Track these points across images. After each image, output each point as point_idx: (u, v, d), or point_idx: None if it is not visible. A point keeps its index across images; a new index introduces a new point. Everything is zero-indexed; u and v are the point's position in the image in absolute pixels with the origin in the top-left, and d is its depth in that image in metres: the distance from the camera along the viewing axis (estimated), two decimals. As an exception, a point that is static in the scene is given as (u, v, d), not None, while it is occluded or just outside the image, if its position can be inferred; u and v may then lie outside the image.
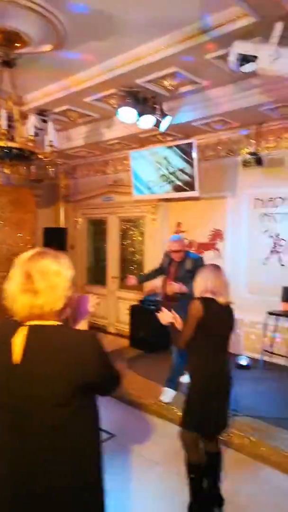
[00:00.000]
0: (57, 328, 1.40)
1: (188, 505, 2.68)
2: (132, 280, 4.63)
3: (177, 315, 2.69)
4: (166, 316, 2.67)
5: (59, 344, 1.36)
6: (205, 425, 2.60)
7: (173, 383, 4.24)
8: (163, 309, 2.72)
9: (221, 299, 2.60)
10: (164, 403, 4.14)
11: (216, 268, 2.76)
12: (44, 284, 1.36)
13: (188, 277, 3.91)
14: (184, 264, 4.30)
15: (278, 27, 2.91)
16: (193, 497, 2.66)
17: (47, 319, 1.38)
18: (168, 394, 4.20)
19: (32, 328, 1.37)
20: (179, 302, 3.87)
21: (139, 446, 3.59)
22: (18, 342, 1.35)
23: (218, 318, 2.60)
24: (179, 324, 2.65)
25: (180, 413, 3.86)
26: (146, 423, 4.05)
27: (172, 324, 2.64)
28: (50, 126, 3.60)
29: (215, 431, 2.71)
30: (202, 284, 2.65)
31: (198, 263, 4.10)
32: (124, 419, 4.11)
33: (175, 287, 4.06)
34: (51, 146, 3.60)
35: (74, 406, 1.36)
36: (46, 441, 1.35)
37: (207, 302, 2.56)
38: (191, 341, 2.56)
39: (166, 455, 3.39)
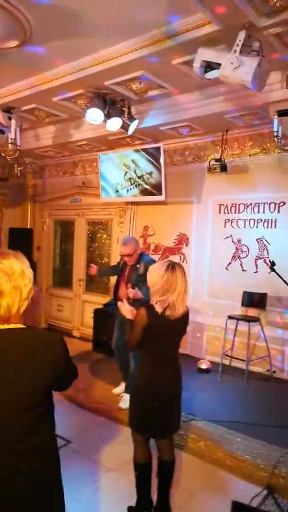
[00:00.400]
0: (23, 331, 1.39)
1: (128, 507, 2.70)
2: (94, 270, 4.54)
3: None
4: (126, 310, 2.63)
5: (28, 347, 1.35)
6: (144, 426, 2.61)
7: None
8: (125, 301, 2.70)
9: (177, 308, 2.44)
10: (123, 409, 4.06)
11: (180, 269, 2.50)
12: (9, 285, 1.34)
13: (140, 281, 3.84)
14: (138, 268, 4.12)
15: (240, 35, 2.99)
16: (137, 497, 2.67)
17: (13, 321, 1.37)
18: (127, 400, 4.14)
19: None
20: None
21: (95, 453, 3.54)
22: None
23: (165, 327, 2.48)
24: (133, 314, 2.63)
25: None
26: (105, 429, 3.98)
27: (130, 321, 2.57)
28: (13, 124, 3.55)
29: (156, 434, 2.68)
30: (158, 287, 2.43)
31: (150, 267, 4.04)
32: (82, 425, 4.05)
33: (131, 293, 3.87)
34: (13, 144, 3.53)
35: (42, 408, 1.37)
36: (13, 444, 1.33)
37: (152, 310, 2.43)
38: (139, 344, 2.53)
39: (122, 462, 3.34)
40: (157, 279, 2.44)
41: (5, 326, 1.36)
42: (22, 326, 1.40)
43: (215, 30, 3.09)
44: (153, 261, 4.16)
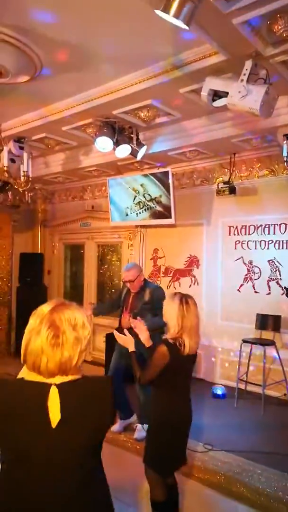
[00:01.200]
0: (81, 382, 1.36)
1: None
2: (89, 310, 4.07)
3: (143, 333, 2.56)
4: (127, 341, 2.52)
5: (88, 398, 1.34)
6: (170, 466, 2.55)
7: (145, 418, 4.09)
8: (126, 332, 2.59)
9: (192, 344, 2.42)
10: (139, 441, 3.92)
11: (193, 303, 2.48)
12: (72, 336, 1.32)
13: (146, 309, 3.76)
14: (142, 295, 3.98)
15: (247, 65, 3.04)
16: None
17: (72, 373, 1.34)
18: (143, 432, 3.96)
19: (62, 388, 1.30)
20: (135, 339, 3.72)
21: (112, 487, 3.44)
22: (54, 404, 1.28)
23: (184, 361, 2.46)
24: (146, 341, 2.54)
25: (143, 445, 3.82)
26: (121, 460, 3.86)
27: (133, 353, 2.49)
28: (25, 156, 3.60)
29: (176, 468, 2.62)
30: (175, 323, 2.41)
31: (156, 294, 3.90)
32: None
33: (135, 323, 3.81)
34: (25, 176, 3.58)
35: (98, 457, 1.37)
36: (73, 494, 1.30)
37: (174, 348, 2.39)
38: (155, 379, 2.45)
39: (141, 497, 3.25)
40: (174, 314, 2.41)
41: (65, 379, 1.33)
42: (78, 376, 1.37)
43: (222, 60, 3.15)
44: (158, 288, 4.15)
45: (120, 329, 3.91)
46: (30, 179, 3.57)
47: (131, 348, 2.50)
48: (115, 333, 2.60)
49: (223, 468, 3.50)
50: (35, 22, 2.88)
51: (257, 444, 3.89)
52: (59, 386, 1.30)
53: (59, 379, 1.32)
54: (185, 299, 2.45)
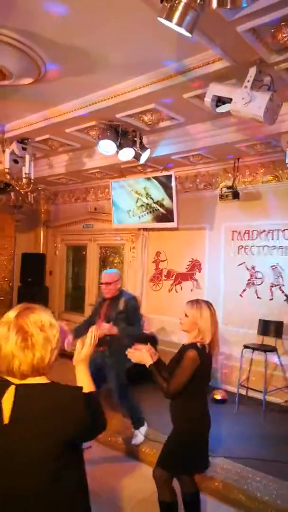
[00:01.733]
0: (46, 386, 1.41)
1: None
2: (69, 341, 3.50)
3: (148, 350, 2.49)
4: (142, 357, 2.45)
5: (48, 404, 1.36)
6: (189, 467, 2.60)
7: (139, 421, 4.02)
8: (141, 347, 2.50)
9: (215, 346, 2.51)
10: (137, 446, 3.92)
11: (212, 308, 2.55)
12: (41, 336, 1.38)
13: (120, 318, 3.74)
14: (117, 304, 3.88)
15: (251, 71, 3.02)
16: None
17: (43, 372, 1.41)
18: (139, 436, 3.98)
19: (20, 388, 1.37)
20: (110, 348, 3.67)
21: (108, 491, 3.44)
22: (8, 402, 1.35)
23: (210, 365, 2.55)
24: (149, 359, 2.46)
25: (148, 451, 3.80)
26: (119, 464, 3.87)
27: (152, 366, 2.44)
28: (27, 158, 3.61)
29: (197, 471, 2.70)
30: (209, 329, 2.47)
31: (131, 304, 3.87)
32: (95, 459, 3.93)
33: (105, 328, 3.58)
34: (27, 178, 3.59)
35: (64, 460, 1.37)
36: (39, 493, 1.34)
37: (203, 352, 2.44)
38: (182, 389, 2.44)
39: (136, 501, 3.24)
40: (208, 321, 2.47)
41: (31, 381, 1.39)
42: (47, 381, 1.43)
43: (226, 66, 3.13)
44: (134, 298, 4.01)
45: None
46: (32, 181, 3.57)
47: (148, 362, 2.44)
48: (129, 351, 2.47)
49: (221, 475, 3.49)
50: (39, 24, 2.87)
51: (256, 451, 3.87)
52: (18, 387, 1.37)
53: (27, 381, 1.39)
54: (211, 306, 2.55)
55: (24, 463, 1.33)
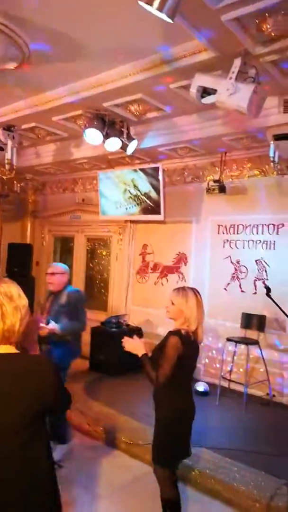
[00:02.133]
0: (15, 357, 1.50)
1: None
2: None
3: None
4: (136, 346, 2.46)
5: (16, 374, 1.44)
6: (179, 459, 2.60)
7: (65, 436, 3.76)
8: (135, 337, 2.51)
9: (199, 333, 2.49)
10: (59, 461, 3.47)
11: (199, 295, 2.56)
12: (11, 306, 1.47)
13: (62, 312, 3.69)
14: (60, 297, 3.83)
15: (236, 62, 3.01)
16: None
17: (13, 341, 1.49)
18: (61, 451, 3.66)
19: None
20: (52, 346, 3.58)
21: (87, 478, 3.45)
22: None
23: (195, 351, 2.53)
24: (141, 350, 2.46)
25: (128, 441, 3.82)
26: (99, 453, 3.88)
27: (144, 356, 2.43)
28: (10, 144, 3.55)
29: (181, 459, 2.70)
30: (195, 315, 2.46)
31: (74, 297, 3.81)
32: (75, 448, 3.95)
33: (46, 329, 3.47)
34: (9, 164, 3.54)
35: (30, 432, 1.42)
36: (6, 464, 1.39)
37: (186, 338, 2.42)
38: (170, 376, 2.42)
39: (114, 489, 3.26)
40: (194, 307, 2.46)
41: (4, 349, 1.47)
42: (16, 351, 1.51)
43: (211, 57, 3.11)
44: (77, 293, 3.95)
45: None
46: (14, 167, 3.53)
47: (141, 352, 2.43)
48: (125, 339, 2.49)
49: (199, 464, 3.52)
50: (21, 7, 2.82)
51: (236, 442, 3.92)
52: None
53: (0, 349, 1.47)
54: (198, 293, 2.54)
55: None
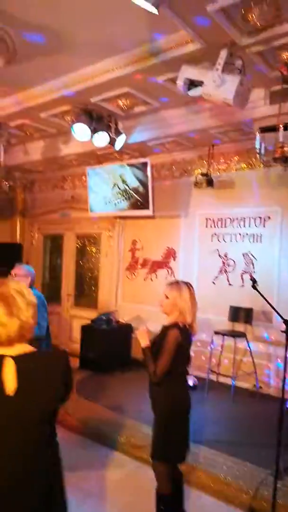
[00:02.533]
0: (36, 354, 1.51)
1: None
2: None
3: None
4: (141, 334, 2.49)
5: (44, 369, 1.47)
6: (180, 453, 2.56)
7: None
8: (145, 327, 2.57)
9: (194, 326, 2.52)
10: None
11: (192, 288, 2.58)
12: (24, 302, 1.47)
13: None
14: None
15: (222, 54, 3.05)
16: None
17: (27, 337, 1.49)
18: None
19: (17, 360, 1.42)
20: None
21: (76, 476, 3.40)
22: (10, 374, 1.40)
23: (190, 343, 2.56)
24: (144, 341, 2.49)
25: (123, 440, 3.79)
26: (89, 451, 3.84)
27: (146, 348, 2.46)
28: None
29: (184, 454, 2.63)
30: (189, 309, 2.48)
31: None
32: (64, 446, 3.90)
33: None
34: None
35: (53, 423, 1.49)
36: (26, 463, 1.42)
37: (184, 331, 2.45)
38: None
39: (102, 486, 3.24)
40: (188, 300, 2.47)
41: (20, 349, 1.46)
42: (32, 349, 1.51)
43: (198, 48, 3.15)
44: (38, 297, 3.81)
45: None
46: (1, 165, 3.51)
47: (144, 342, 2.46)
48: (140, 328, 2.58)
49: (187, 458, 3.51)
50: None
51: (222, 434, 3.93)
52: (15, 358, 1.42)
53: (15, 350, 1.45)
54: (191, 286, 2.55)
55: (24, 428, 1.41)
